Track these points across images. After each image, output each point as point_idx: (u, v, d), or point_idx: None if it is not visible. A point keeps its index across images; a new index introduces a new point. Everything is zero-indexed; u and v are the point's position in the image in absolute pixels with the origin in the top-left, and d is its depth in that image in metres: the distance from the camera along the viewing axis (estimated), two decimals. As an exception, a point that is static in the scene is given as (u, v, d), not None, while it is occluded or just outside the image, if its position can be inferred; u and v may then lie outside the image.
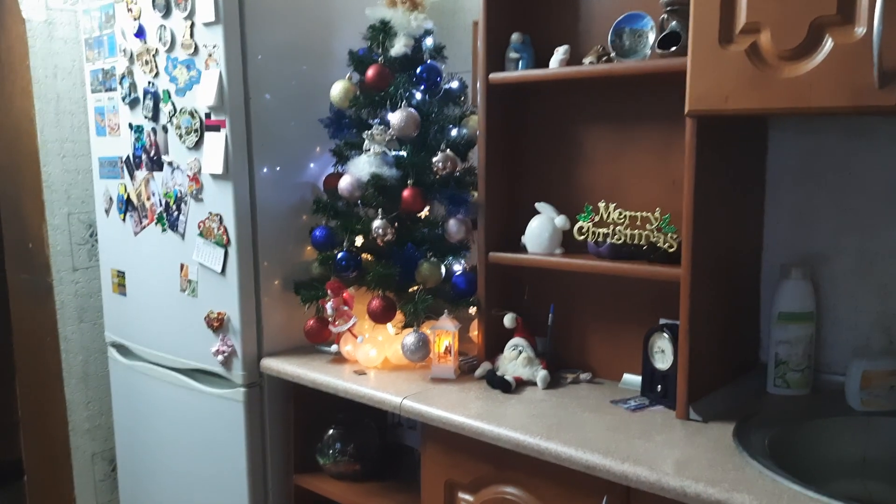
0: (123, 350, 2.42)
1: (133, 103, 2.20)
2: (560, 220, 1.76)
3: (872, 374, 1.48)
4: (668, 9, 1.52)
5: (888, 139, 1.53)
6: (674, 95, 1.45)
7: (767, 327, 1.66)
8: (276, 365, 1.98)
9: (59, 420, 2.70)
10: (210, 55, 1.92)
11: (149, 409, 2.33)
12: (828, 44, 1.20)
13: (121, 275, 2.38)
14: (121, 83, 2.23)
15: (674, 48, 1.48)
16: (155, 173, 2.17)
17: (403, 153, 1.90)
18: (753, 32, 1.27)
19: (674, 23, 1.51)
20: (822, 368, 1.66)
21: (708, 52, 1.32)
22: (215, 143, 1.95)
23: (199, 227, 2.04)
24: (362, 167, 1.87)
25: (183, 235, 2.10)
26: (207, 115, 1.96)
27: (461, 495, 1.64)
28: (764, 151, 1.68)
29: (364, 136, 1.90)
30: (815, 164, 1.62)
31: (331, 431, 2.00)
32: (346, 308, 1.94)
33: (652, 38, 1.58)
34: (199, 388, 2.12)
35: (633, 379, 1.73)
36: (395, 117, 1.85)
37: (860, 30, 1.17)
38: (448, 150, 1.85)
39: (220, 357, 2.03)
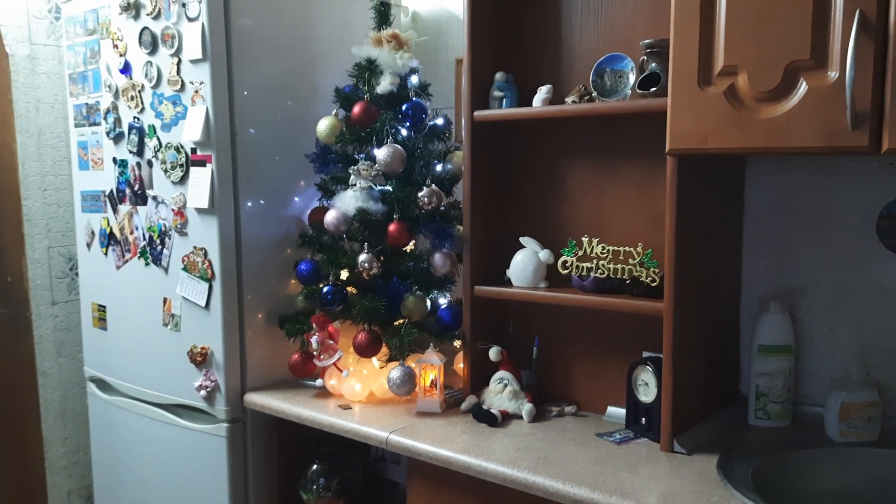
0: (103, 385, 2.38)
1: (117, 138, 2.20)
2: (544, 255, 1.78)
3: (851, 405, 1.51)
4: (648, 51, 1.57)
5: (862, 176, 1.58)
6: (654, 133, 1.49)
7: (748, 360, 1.69)
8: (260, 400, 1.96)
9: (36, 456, 2.64)
10: (197, 91, 1.93)
11: (128, 444, 2.30)
12: (802, 87, 1.25)
13: (101, 309, 2.35)
14: (105, 118, 2.24)
15: (654, 89, 1.53)
16: (139, 207, 2.16)
17: (389, 188, 1.92)
18: (731, 75, 1.32)
19: (654, 64, 1.55)
20: (801, 400, 1.69)
21: (687, 93, 1.36)
22: (201, 178, 1.95)
23: (184, 261, 2.03)
24: (348, 201, 1.89)
25: (166, 269, 2.09)
26: (193, 150, 1.97)
27: (448, 531, 1.64)
28: (741, 188, 1.73)
29: (350, 171, 1.92)
30: (791, 200, 1.67)
31: (314, 466, 1.99)
32: (331, 342, 1.94)
33: (632, 78, 1.63)
34: (181, 424, 2.09)
35: (617, 412, 1.74)
36: (381, 153, 1.87)
37: (833, 74, 1.22)
38: (433, 184, 1.88)
39: (202, 392, 2.01)
